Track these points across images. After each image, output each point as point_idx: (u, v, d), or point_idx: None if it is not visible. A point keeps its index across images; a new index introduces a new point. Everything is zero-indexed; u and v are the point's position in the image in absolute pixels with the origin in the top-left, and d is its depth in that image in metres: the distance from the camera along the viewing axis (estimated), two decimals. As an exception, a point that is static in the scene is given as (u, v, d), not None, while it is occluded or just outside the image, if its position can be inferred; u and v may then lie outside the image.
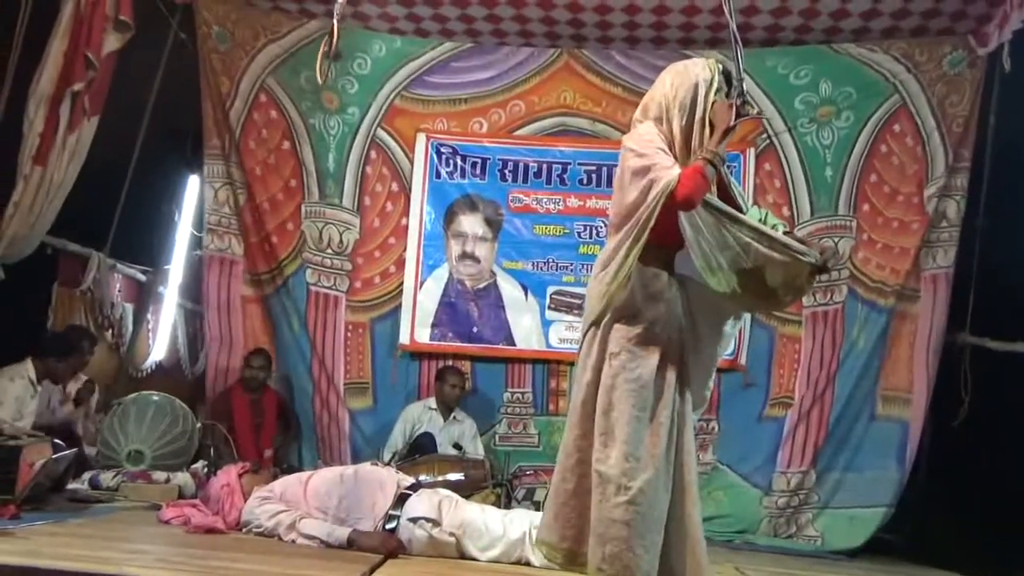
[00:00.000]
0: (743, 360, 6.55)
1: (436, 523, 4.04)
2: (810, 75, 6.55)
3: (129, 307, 6.97)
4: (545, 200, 6.85)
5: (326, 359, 6.75)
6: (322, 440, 6.68)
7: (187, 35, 6.61)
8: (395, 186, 6.91)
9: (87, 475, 5.15)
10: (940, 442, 6.20)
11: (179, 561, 3.31)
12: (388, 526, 4.05)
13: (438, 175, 6.88)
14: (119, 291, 6.80)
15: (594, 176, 6.81)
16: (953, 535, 5.67)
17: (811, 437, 6.37)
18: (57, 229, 5.54)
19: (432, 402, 6.44)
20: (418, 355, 6.84)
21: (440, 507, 4.12)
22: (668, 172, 2.95)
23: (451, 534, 4.02)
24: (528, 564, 3.94)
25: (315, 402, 6.72)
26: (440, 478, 5.24)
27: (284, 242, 6.82)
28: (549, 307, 6.76)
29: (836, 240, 6.45)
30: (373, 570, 3.53)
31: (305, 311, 6.79)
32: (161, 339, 7.39)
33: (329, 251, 6.83)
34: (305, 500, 4.18)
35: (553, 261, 6.79)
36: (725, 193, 3.22)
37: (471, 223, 6.87)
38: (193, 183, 7.29)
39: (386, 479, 4.31)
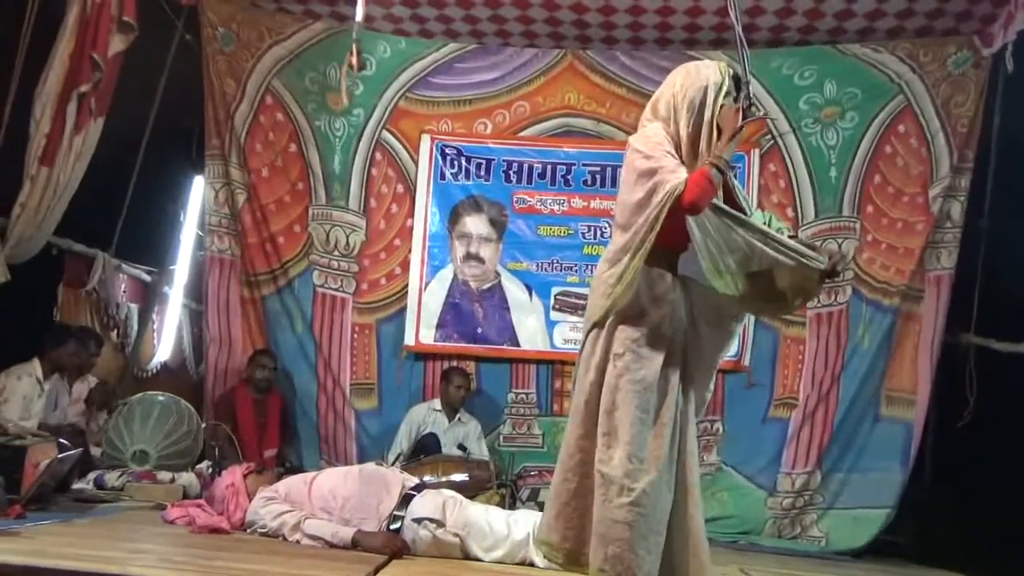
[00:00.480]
0: (747, 361, 6.55)
1: (440, 524, 4.04)
2: (815, 76, 6.54)
3: (134, 307, 6.98)
4: (549, 201, 6.85)
5: (332, 360, 6.76)
6: (326, 441, 6.69)
7: (192, 36, 6.63)
8: (400, 188, 6.92)
9: (92, 475, 5.15)
10: (944, 443, 6.20)
11: (183, 561, 3.31)
12: (392, 526, 4.05)
13: (443, 176, 6.89)
14: (124, 291, 6.81)
15: (598, 177, 6.81)
16: (957, 536, 5.66)
17: (815, 438, 6.37)
18: (63, 229, 5.57)
19: (437, 403, 6.44)
20: (423, 356, 6.85)
21: (444, 508, 4.11)
22: (674, 176, 2.96)
23: (455, 535, 4.02)
24: (532, 565, 3.93)
25: (320, 402, 6.73)
26: (444, 479, 5.24)
27: (291, 244, 6.83)
28: (553, 308, 6.76)
29: (840, 241, 6.45)
30: (377, 570, 3.53)
31: (312, 312, 6.80)
32: (166, 339, 7.40)
33: (336, 253, 6.84)
34: (309, 500, 4.18)
35: (557, 262, 6.79)
36: (730, 196, 3.22)
37: (475, 224, 6.88)
38: (198, 184, 7.31)
39: (391, 480, 4.31)
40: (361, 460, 6.22)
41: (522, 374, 6.80)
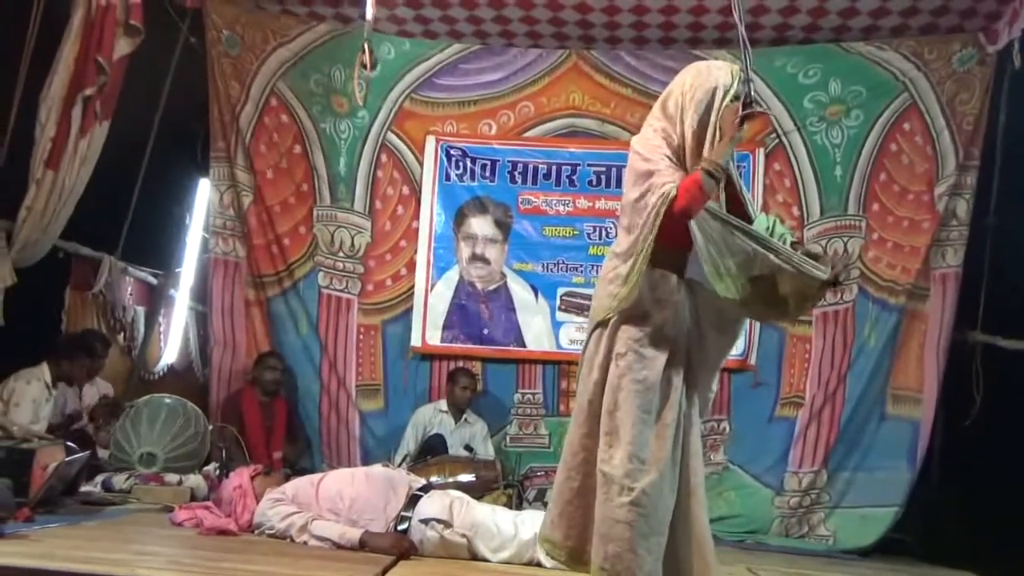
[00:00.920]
0: (753, 360, 6.54)
1: (448, 524, 4.05)
2: (819, 74, 6.53)
3: (141, 310, 7.00)
4: (554, 201, 6.85)
5: (337, 361, 6.76)
6: (329, 444, 6.69)
7: (197, 39, 6.63)
8: (406, 189, 6.92)
9: (100, 477, 5.16)
10: (951, 441, 6.18)
11: (191, 563, 3.32)
12: (400, 527, 4.06)
13: (448, 177, 6.89)
14: (131, 294, 6.83)
15: (603, 177, 6.81)
16: (965, 534, 5.65)
17: (822, 437, 6.36)
18: (69, 233, 5.58)
19: (443, 404, 6.45)
20: (429, 357, 6.84)
21: (451, 508, 4.12)
22: (666, 185, 2.99)
23: (463, 535, 4.03)
24: (539, 565, 3.93)
25: (323, 404, 6.73)
26: (451, 479, 5.26)
27: (296, 245, 6.82)
28: (559, 308, 6.76)
29: (846, 240, 6.45)
30: (385, 571, 3.54)
31: (317, 314, 6.80)
32: (172, 342, 7.41)
33: (341, 254, 6.84)
34: (317, 502, 4.19)
35: (563, 262, 6.79)
36: (735, 198, 3.23)
37: (481, 225, 6.88)
38: (204, 186, 7.30)
39: (398, 481, 4.32)
40: (367, 462, 6.21)
41: (528, 375, 6.79)
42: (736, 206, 3.22)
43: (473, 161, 6.89)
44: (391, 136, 6.89)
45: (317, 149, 6.84)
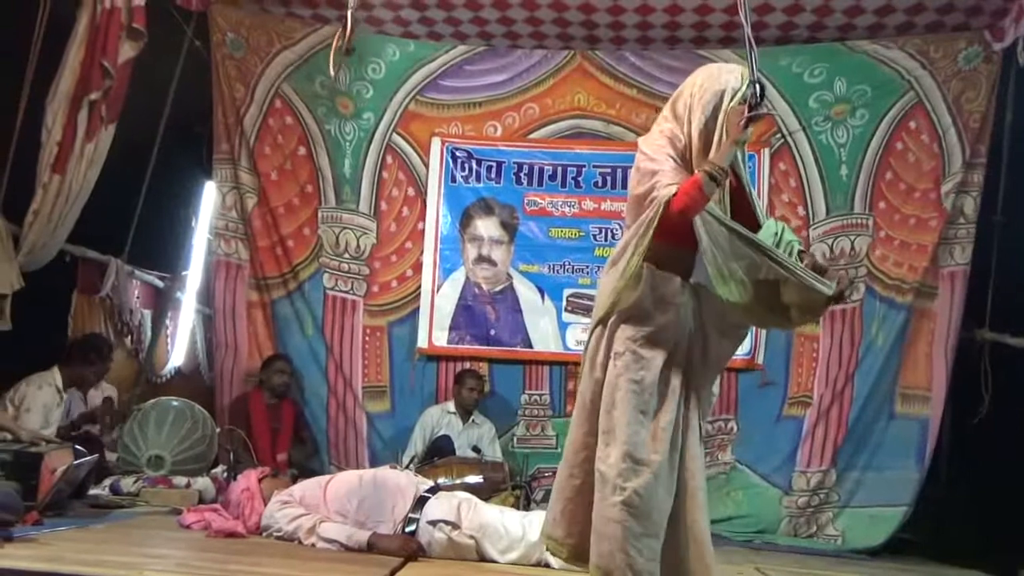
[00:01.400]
0: (760, 359, 6.54)
1: (455, 526, 4.05)
2: (824, 73, 6.52)
3: (148, 313, 7.01)
4: (560, 203, 6.85)
5: (343, 363, 6.76)
6: (336, 446, 6.68)
7: (201, 42, 6.63)
8: (411, 191, 6.92)
9: (108, 481, 5.16)
10: (960, 440, 6.18)
11: (199, 565, 3.32)
12: (408, 529, 4.06)
13: (453, 179, 6.89)
14: (137, 297, 6.85)
15: (609, 178, 6.80)
16: (974, 533, 5.64)
17: (830, 436, 6.35)
18: (76, 236, 5.59)
19: (450, 405, 6.45)
20: (436, 358, 6.84)
21: (459, 509, 4.12)
22: (667, 187, 3.00)
23: (470, 536, 4.03)
24: (547, 566, 3.94)
25: (330, 406, 6.73)
26: (459, 481, 5.24)
27: (300, 247, 6.83)
28: (566, 309, 6.76)
29: (853, 238, 6.45)
30: (393, 573, 3.54)
31: (322, 315, 6.80)
32: (180, 345, 7.43)
33: (346, 256, 6.84)
34: (325, 504, 4.19)
35: (569, 264, 6.79)
36: (743, 200, 3.22)
37: (487, 226, 6.88)
38: (209, 188, 7.31)
39: (405, 482, 4.32)
40: (374, 463, 6.21)
41: (535, 376, 6.79)
42: (745, 210, 3.21)
43: (479, 163, 6.89)
44: (396, 138, 6.89)
45: (322, 151, 6.85)
